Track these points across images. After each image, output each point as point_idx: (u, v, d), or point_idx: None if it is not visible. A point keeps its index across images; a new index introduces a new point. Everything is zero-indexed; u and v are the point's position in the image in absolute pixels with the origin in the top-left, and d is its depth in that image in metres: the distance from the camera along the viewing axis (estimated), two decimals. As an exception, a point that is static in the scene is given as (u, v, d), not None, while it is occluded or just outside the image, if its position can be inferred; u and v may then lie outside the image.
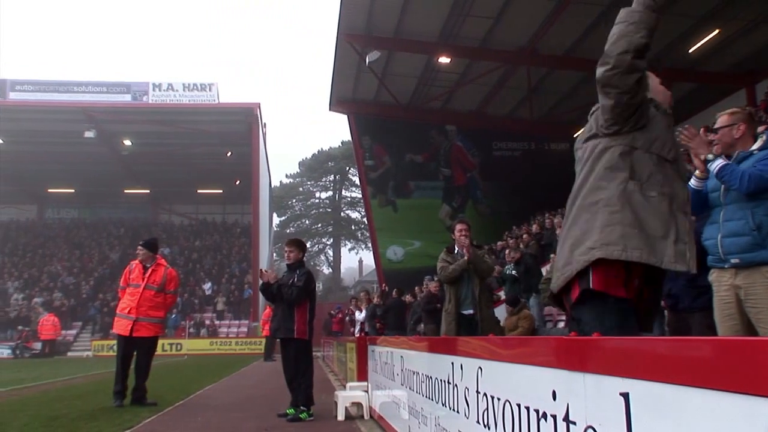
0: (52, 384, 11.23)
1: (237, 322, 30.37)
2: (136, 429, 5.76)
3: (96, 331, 28.60)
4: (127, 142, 33.56)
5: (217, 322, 29.76)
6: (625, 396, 1.38)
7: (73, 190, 40.20)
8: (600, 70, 2.52)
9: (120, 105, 31.00)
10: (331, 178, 58.37)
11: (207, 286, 32.34)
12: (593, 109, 2.80)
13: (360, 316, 16.13)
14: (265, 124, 35.92)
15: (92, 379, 12.05)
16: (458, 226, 6.90)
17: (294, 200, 58.84)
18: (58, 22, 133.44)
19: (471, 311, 6.56)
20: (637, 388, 1.34)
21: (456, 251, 6.81)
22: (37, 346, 25.73)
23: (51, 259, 35.72)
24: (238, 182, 38.11)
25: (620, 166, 2.54)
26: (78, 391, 9.55)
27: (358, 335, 14.30)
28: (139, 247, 8.02)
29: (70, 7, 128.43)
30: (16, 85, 30.80)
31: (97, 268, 34.43)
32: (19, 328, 27.15)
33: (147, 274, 7.72)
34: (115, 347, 8.13)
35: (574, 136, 22.20)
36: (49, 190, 40.26)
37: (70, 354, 26.97)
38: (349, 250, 59.48)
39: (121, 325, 7.56)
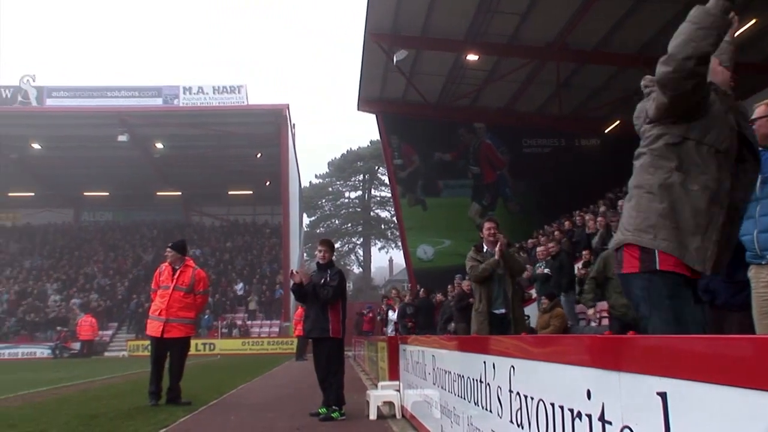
0: (90, 383, 11.48)
1: (269, 322, 30.64)
2: (172, 428, 5.84)
3: (131, 332, 29.07)
4: (159, 145, 34.11)
5: (249, 323, 30.06)
6: (663, 395, 1.35)
7: (107, 194, 40.93)
8: (660, 69, 2.50)
9: (152, 109, 31.49)
10: (360, 177, 58.53)
11: (239, 287, 32.65)
12: (647, 89, 2.77)
13: (394, 315, 16.08)
14: (294, 124, 36.15)
15: (128, 379, 12.27)
16: (486, 225, 6.87)
17: (324, 200, 59.14)
18: (81, 27, 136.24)
19: (503, 310, 6.51)
20: (675, 387, 1.32)
21: (485, 249, 6.77)
22: (76, 346, 26.37)
23: (87, 261, 36.46)
24: (268, 183, 38.40)
25: (669, 156, 2.55)
26: (115, 391, 9.74)
27: (392, 335, 14.28)
28: (168, 249, 8.11)
29: (86, 14, 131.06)
30: (52, 91, 31.45)
31: (132, 270, 35.03)
32: (58, 328, 27.82)
33: (176, 276, 7.81)
34: (149, 347, 8.25)
35: (606, 131, 21.76)
36: (85, 194, 41.06)
37: (106, 354, 27.54)
38: (380, 249, 59.67)
39: (153, 327, 7.68)
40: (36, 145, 33.39)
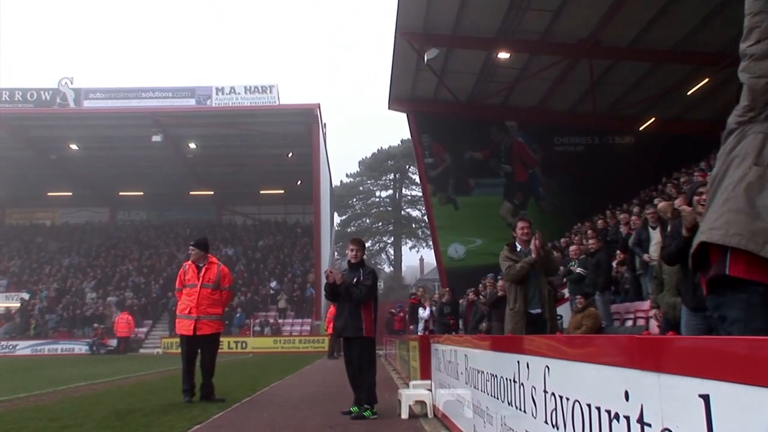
0: (125, 380, 11.70)
1: (300, 320, 30.81)
2: (205, 424, 5.92)
3: (167, 329, 29.47)
4: (192, 145, 34.55)
5: (280, 321, 30.26)
6: (705, 398, 1.32)
7: (141, 193, 41.64)
8: (742, 77, 2.43)
9: (185, 109, 31.92)
10: (391, 176, 58.60)
11: (273, 285, 32.85)
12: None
13: (424, 313, 16.01)
14: (324, 124, 36.27)
15: (163, 375, 12.47)
16: (520, 224, 6.81)
17: (354, 199, 59.35)
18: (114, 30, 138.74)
19: (539, 310, 6.46)
20: (718, 389, 1.28)
21: (519, 249, 6.71)
22: (112, 342, 26.95)
23: (122, 259, 37.14)
24: (299, 182, 38.65)
25: (749, 152, 2.44)
26: (150, 387, 9.91)
27: (422, 333, 14.27)
28: (191, 248, 8.19)
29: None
30: (89, 93, 32.08)
31: (166, 269, 35.52)
32: (95, 325, 28.42)
33: (201, 273, 7.86)
34: (179, 345, 8.36)
35: (640, 129, 21.38)
36: (120, 194, 41.81)
37: (141, 351, 28.05)
38: (410, 248, 59.62)
39: (184, 326, 7.76)
40: (74, 146, 34.16)
